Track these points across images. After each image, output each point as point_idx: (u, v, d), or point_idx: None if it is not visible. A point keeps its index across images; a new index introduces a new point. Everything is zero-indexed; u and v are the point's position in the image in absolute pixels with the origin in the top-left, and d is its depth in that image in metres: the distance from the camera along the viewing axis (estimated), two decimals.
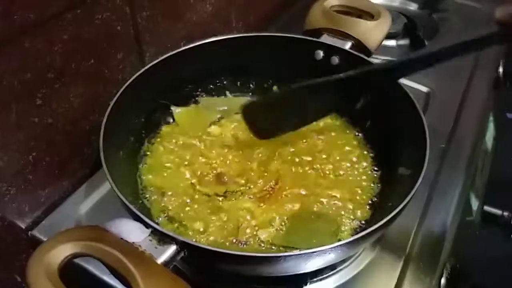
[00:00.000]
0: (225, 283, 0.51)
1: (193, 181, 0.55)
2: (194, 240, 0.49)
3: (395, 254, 0.54)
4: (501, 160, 0.89)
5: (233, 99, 0.66)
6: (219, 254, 0.39)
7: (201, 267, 0.50)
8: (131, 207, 0.41)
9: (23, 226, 0.55)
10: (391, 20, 0.66)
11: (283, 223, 0.51)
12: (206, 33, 0.63)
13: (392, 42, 0.85)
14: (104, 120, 0.49)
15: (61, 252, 0.35)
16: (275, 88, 0.66)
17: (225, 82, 0.66)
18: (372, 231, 0.41)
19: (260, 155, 0.58)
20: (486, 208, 0.83)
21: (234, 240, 0.50)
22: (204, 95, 0.65)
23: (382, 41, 0.63)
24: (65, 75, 0.53)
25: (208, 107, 0.65)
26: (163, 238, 0.39)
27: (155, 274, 0.35)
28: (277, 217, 0.51)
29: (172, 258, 0.38)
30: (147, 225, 0.39)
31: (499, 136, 0.85)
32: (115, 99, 0.52)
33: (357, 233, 0.42)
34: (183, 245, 0.39)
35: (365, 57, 0.59)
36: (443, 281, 0.55)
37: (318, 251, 0.39)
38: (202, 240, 0.50)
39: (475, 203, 0.72)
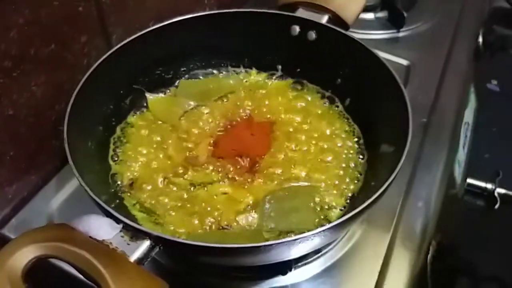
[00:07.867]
0: (207, 273, 0.50)
1: (168, 170, 0.52)
2: (172, 233, 0.47)
3: (381, 233, 0.53)
4: (483, 131, 0.88)
5: (210, 80, 0.63)
6: (196, 247, 0.36)
7: (180, 259, 0.48)
8: (99, 201, 0.38)
9: None
10: None
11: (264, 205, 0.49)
12: (176, 12, 0.59)
13: (370, 15, 0.83)
14: (68, 109, 0.46)
15: (25, 255, 0.33)
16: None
17: (198, 63, 0.63)
18: (357, 213, 0.39)
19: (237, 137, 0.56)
20: (470, 180, 0.83)
21: (215, 227, 0.48)
22: (177, 78, 0.62)
23: (360, 13, 0.61)
24: (23, 63, 0.49)
25: (183, 92, 0.61)
26: (135, 234, 0.36)
27: (127, 274, 0.33)
28: (256, 200, 0.49)
29: (146, 254, 0.36)
30: (117, 220, 0.37)
31: (481, 107, 0.84)
32: (79, 86, 0.49)
33: (344, 214, 0.41)
34: (157, 240, 0.36)
35: (343, 31, 0.57)
36: (429, 257, 0.54)
37: (301, 238, 0.37)
38: (182, 230, 0.47)
39: (458, 176, 0.71)
